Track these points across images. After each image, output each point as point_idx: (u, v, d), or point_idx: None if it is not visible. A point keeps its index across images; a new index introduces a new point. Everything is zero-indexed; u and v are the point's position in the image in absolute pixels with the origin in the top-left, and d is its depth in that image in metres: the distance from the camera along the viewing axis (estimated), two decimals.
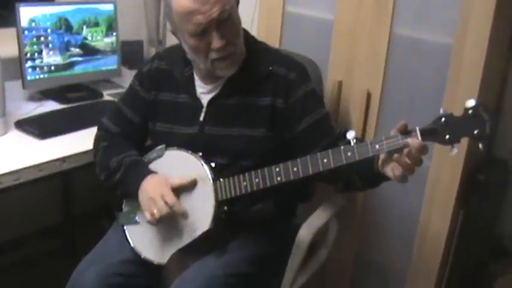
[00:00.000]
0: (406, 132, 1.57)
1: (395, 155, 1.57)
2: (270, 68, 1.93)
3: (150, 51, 3.29)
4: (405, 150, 1.54)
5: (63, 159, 2.16)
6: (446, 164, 2.16)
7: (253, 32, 2.02)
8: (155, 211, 1.84)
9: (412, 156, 1.54)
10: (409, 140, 1.54)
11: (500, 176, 2.37)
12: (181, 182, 1.88)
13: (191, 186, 1.88)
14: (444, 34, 2.11)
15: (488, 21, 1.99)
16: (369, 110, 2.32)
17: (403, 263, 2.41)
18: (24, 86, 2.59)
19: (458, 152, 1.54)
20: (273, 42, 2.42)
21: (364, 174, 1.77)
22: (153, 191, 1.86)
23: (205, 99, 1.97)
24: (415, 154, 1.53)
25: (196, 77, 1.99)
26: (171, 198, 1.84)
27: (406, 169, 1.56)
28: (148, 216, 1.86)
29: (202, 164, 1.87)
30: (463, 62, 2.06)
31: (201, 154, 1.89)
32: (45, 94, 2.70)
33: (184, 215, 1.86)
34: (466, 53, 2.05)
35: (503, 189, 2.42)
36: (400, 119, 2.17)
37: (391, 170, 1.60)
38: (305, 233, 1.96)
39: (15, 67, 2.54)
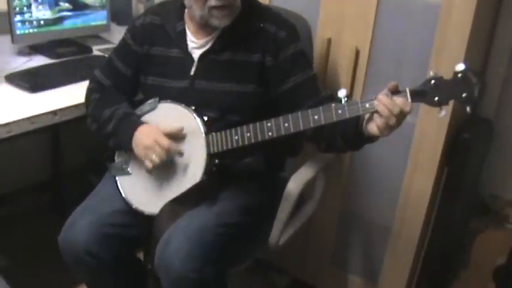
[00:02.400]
0: (396, 92, 1.61)
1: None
2: (261, 24, 1.95)
3: (138, 8, 3.27)
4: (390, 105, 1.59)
5: (54, 112, 2.17)
6: (432, 122, 2.19)
7: None
8: (153, 157, 1.87)
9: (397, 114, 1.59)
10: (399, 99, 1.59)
11: (484, 135, 2.41)
12: (172, 129, 1.91)
13: (183, 138, 1.91)
14: None
15: None
16: (357, 67, 2.34)
17: (387, 220, 2.47)
18: (13, 41, 2.57)
19: (446, 113, 1.59)
20: None
21: (347, 135, 1.79)
22: (147, 139, 1.89)
23: (196, 53, 1.99)
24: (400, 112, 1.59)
25: (188, 32, 2.01)
26: (165, 141, 1.86)
27: (388, 121, 1.61)
28: (149, 164, 1.89)
29: (194, 117, 1.89)
30: (451, 21, 2.08)
31: (194, 108, 1.91)
32: (35, 49, 2.69)
33: (181, 154, 1.90)
34: (453, 13, 2.07)
35: (486, 148, 2.46)
36: (388, 76, 2.24)
37: (374, 121, 1.64)
38: (294, 185, 2.00)
39: (4, 21, 2.52)
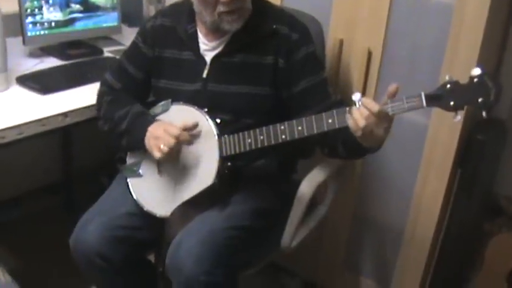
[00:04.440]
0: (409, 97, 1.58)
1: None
2: (274, 26, 1.94)
3: (149, 9, 3.27)
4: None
5: (65, 114, 2.17)
6: (445, 123, 2.18)
7: None
8: (162, 145, 1.84)
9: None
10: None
11: (497, 136, 2.39)
12: (184, 124, 1.88)
13: (196, 139, 1.90)
14: None
15: None
16: (370, 68, 2.32)
17: (400, 222, 2.45)
18: (24, 42, 2.57)
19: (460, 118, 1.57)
20: None
21: (348, 142, 1.78)
22: (157, 130, 1.88)
23: (208, 56, 1.98)
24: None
25: (200, 34, 2.00)
26: (174, 129, 1.85)
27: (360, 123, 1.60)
28: (157, 153, 1.86)
29: (207, 120, 1.88)
30: (464, 22, 2.06)
31: (206, 110, 1.90)
32: (46, 50, 2.69)
33: (190, 142, 1.88)
34: (467, 14, 2.05)
35: (500, 149, 2.44)
36: (401, 77, 2.22)
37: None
38: (306, 187, 1.99)
39: (16, 23, 2.52)
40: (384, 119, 1.59)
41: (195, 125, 1.88)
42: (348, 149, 1.83)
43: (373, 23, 2.27)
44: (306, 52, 1.94)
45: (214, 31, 1.94)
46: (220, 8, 1.83)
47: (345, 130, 1.66)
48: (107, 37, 2.94)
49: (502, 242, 2.33)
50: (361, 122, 1.59)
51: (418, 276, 2.45)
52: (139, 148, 1.96)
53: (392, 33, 2.26)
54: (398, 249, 2.49)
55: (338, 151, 1.87)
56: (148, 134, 1.91)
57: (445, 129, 2.20)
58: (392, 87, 1.59)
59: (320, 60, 2.08)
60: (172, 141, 1.84)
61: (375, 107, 1.57)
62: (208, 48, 1.98)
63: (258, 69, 1.94)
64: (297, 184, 2.01)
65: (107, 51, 2.81)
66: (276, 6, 2.08)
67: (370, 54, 2.30)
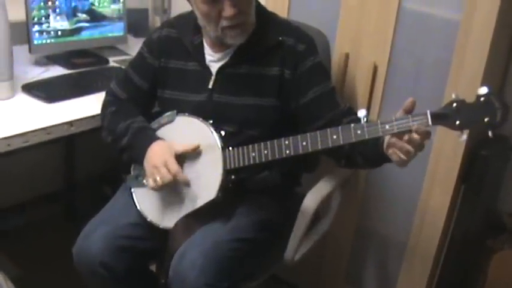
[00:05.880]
0: (415, 114, 1.58)
1: (396, 141, 1.60)
2: (280, 38, 1.94)
3: (154, 20, 3.28)
4: (406, 136, 1.57)
5: (70, 123, 2.17)
6: (450, 139, 2.17)
7: (261, 2, 2.02)
8: (158, 178, 1.86)
9: (414, 142, 1.57)
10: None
11: (501, 153, 2.39)
12: (184, 148, 1.90)
13: (199, 153, 1.90)
14: (452, 10, 2.12)
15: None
16: (375, 83, 2.33)
17: (403, 236, 2.44)
18: (30, 51, 2.58)
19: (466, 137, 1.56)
20: (281, 12, 2.41)
21: (368, 154, 1.79)
22: (157, 159, 1.88)
23: (214, 67, 1.98)
24: (417, 139, 1.57)
25: (205, 45, 2.00)
26: (174, 166, 1.85)
27: (406, 155, 1.60)
28: (151, 183, 1.88)
29: (212, 132, 1.88)
30: (470, 39, 2.06)
31: (211, 122, 1.90)
32: (51, 59, 2.69)
33: (187, 184, 1.88)
34: (473, 30, 2.05)
35: (504, 166, 2.44)
36: (406, 92, 2.22)
37: (393, 153, 1.64)
38: (310, 201, 1.98)
39: (22, 31, 2.53)
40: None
41: (196, 147, 1.89)
42: (367, 160, 1.84)
43: (379, 37, 2.28)
44: (312, 63, 1.94)
45: (219, 43, 1.95)
46: (224, 23, 1.83)
47: (363, 141, 1.66)
48: (112, 47, 2.95)
49: (505, 259, 2.32)
50: (410, 155, 1.61)
51: None
52: (140, 164, 1.97)
53: (398, 48, 2.26)
54: (401, 263, 2.48)
55: (357, 162, 1.86)
56: (148, 156, 1.91)
57: (450, 143, 2.19)
58: (408, 103, 1.59)
59: (327, 70, 2.08)
60: (168, 177, 1.85)
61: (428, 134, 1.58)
62: (213, 59, 1.98)
63: (264, 81, 1.94)
64: (301, 197, 2.00)
65: (113, 61, 2.81)
66: (282, 18, 2.08)
67: (375, 68, 2.31)
